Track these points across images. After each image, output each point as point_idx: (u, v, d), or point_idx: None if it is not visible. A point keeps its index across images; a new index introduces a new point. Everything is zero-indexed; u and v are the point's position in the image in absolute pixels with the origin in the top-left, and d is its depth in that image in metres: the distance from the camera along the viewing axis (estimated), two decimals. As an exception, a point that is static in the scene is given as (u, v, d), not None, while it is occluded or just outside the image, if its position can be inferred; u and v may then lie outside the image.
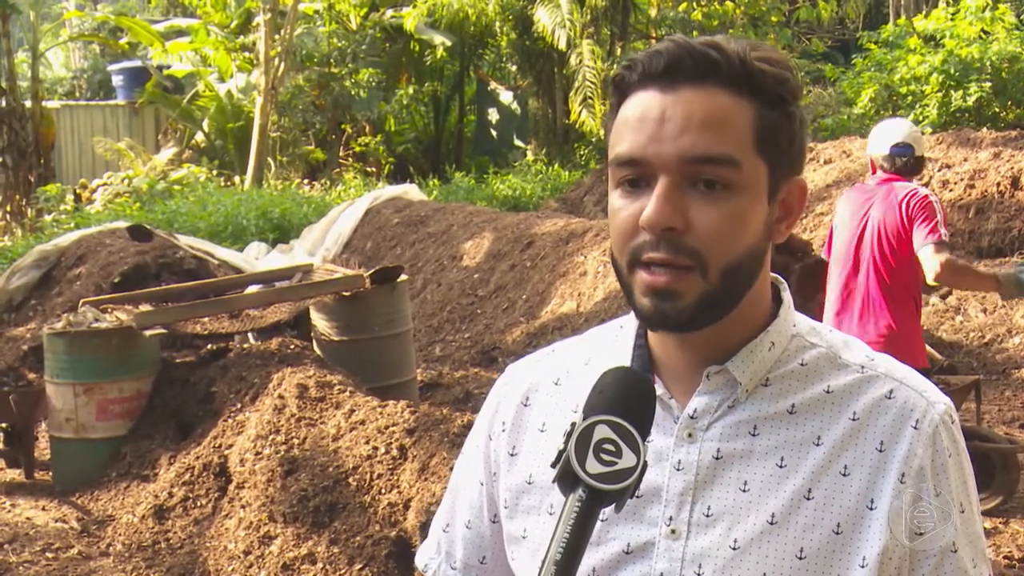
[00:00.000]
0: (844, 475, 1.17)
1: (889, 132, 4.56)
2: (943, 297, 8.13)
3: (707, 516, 1.18)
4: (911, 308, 4.44)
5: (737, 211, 1.15)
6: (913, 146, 4.50)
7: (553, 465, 1.06)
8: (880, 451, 1.18)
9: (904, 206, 4.34)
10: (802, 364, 1.22)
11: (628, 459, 1.05)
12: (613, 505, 1.06)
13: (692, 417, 1.21)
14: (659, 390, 1.22)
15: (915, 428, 1.18)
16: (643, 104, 1.16)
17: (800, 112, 1.21)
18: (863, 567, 1.15)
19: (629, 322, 1.30)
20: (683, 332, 1.19)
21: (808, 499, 1.17)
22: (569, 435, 1.06)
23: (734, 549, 1.17)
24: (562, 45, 15.49)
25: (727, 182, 1.14)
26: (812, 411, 1.20)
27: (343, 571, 4.59)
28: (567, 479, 1.05)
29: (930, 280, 4.34)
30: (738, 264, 1.16)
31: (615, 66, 16.07)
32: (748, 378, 1.20)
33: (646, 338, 1.27)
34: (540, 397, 1.32)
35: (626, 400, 1.09)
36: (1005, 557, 4.71)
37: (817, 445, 1.19)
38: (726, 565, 1.17)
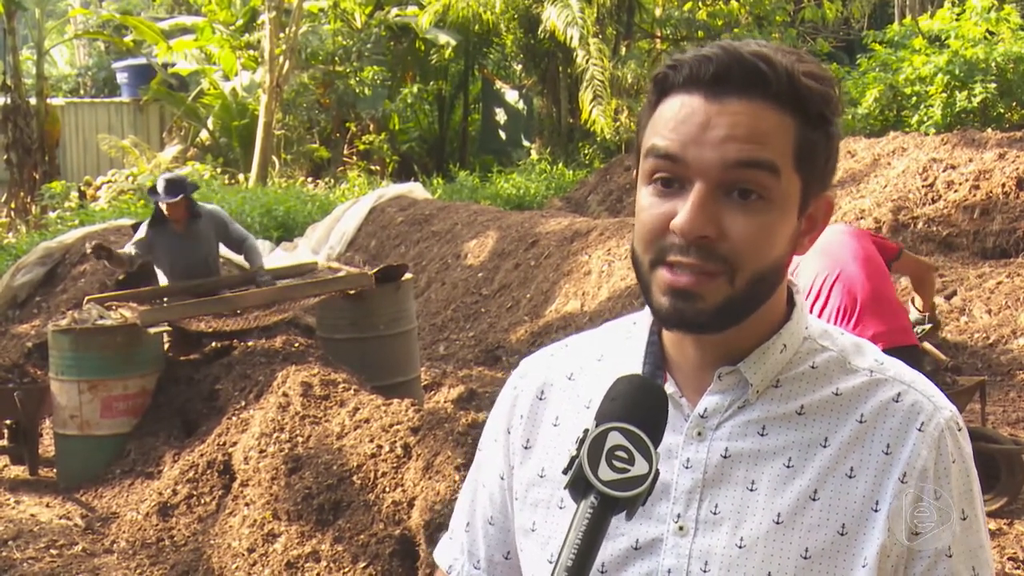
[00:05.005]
0: (850, 477, 1.18)
1: None
2: (948, 298, 8.11)
3: (714, 514, 1.19)
4: None
5: (769, 223, 1.15)
6: None
7: (565, 471, 1.06)
8: (886, 453, 1.18)
9: None
10: (812, 367, 1.23)
11: (640, 466, 1.05)
12: (624, 512, 1.06)
13: (702, 416, 1.22)
14: (670, 388, 1.23)
15: (920, 430, 1.19)
16: (687, 107, 1.15)
17: (838, 129, 1.20)
18: (864, 567, 1.16)
19: (642, 319, 1.30)
20: (699, 334, 1.20)
21: (814, 500, 1.18)
22: (582, 442, 1.06)
23: (740, 547, 1.18)
24: (575, 43, 15.45)
25: (762, 192, 1.14)
26: (820, 413, 1.20)
27: (347, 569, 4.58)
28: (579, 485, 1.05)
29: None
30: (764, 274, 1.16)
31: (620, 65, 16.10)
32: (759, 379, 1.21)
33: (659, 336, 1.27)
34: (554, 391, 1.32)
35: (639, 408, 1.09)
36: (1010, 559, 4.70)
37: (824, 446, 1.19)
38: (732, 563, 1.17)
